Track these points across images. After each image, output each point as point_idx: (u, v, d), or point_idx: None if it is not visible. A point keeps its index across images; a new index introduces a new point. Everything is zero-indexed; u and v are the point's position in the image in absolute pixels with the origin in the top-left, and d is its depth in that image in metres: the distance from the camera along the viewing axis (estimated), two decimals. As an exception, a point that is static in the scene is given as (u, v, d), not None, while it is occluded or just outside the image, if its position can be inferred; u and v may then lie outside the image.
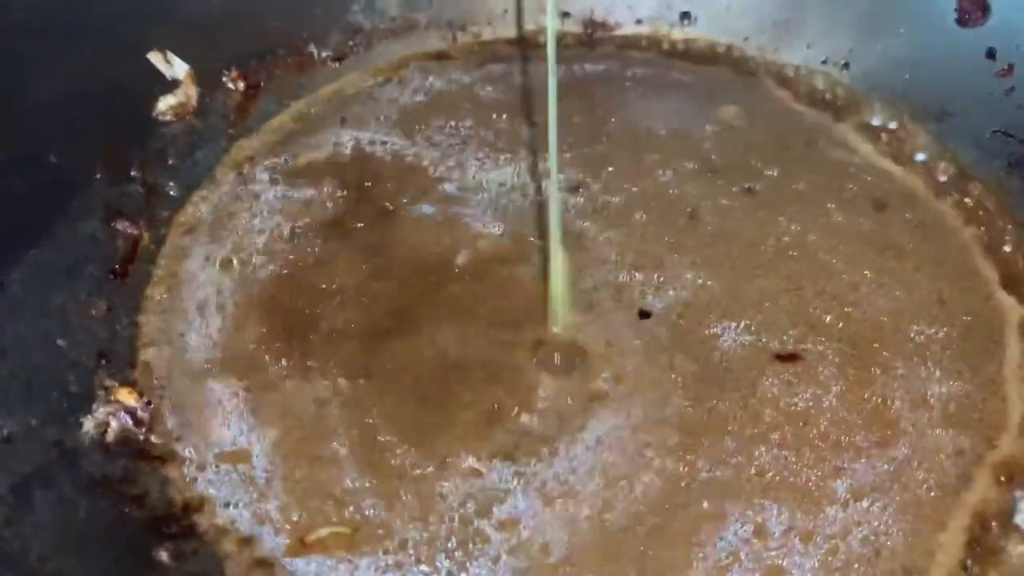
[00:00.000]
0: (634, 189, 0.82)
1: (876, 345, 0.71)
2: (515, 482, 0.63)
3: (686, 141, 0.86)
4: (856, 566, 0.59)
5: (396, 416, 0.67)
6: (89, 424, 0.66)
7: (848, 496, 0.63)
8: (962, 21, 0.85)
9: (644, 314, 0.72)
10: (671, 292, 0.74)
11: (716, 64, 0.94)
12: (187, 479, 0.64)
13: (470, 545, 0.60)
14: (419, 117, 0.88)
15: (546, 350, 0.70)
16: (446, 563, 0.59)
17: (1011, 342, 0.72)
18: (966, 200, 0.82)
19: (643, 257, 0.77)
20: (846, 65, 0.91)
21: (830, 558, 0.60)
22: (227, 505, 0.63)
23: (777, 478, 0.63)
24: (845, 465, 0.64)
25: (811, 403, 0.67)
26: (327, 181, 0.83)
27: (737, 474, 0.64)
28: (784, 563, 0.60)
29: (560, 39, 0.96)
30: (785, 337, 0.70)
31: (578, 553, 0.60)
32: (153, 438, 0.66)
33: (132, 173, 0.80)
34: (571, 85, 0.91)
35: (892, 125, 0.88)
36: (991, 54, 0.83)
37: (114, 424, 0.66)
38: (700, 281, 0.75)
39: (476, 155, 0.85)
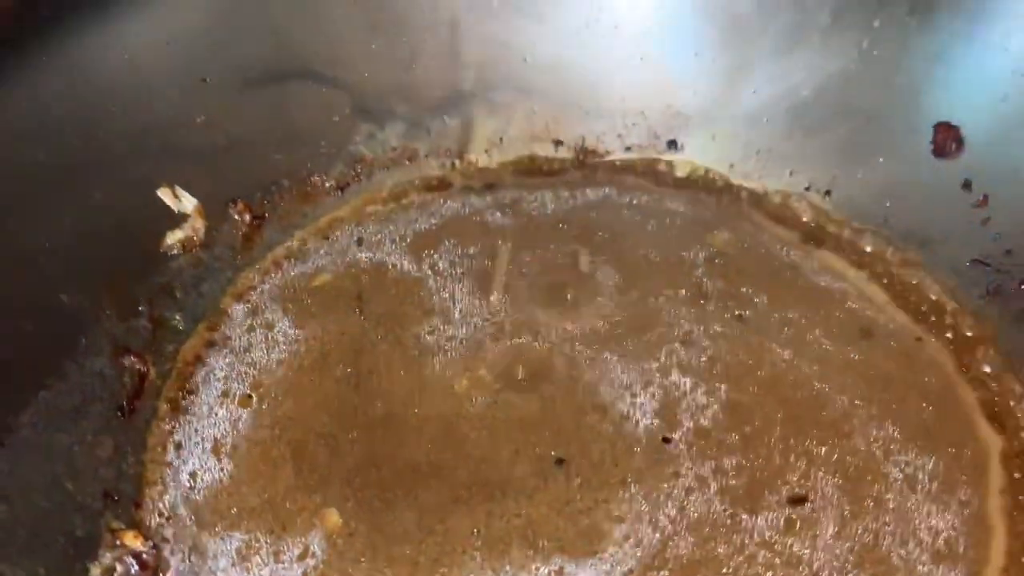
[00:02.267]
0: (624, 315, 0.84)
1: (869, 478, 0.73)
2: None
3: (679, 268, 0.89)
4: None
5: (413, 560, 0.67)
6: (96, 571, 0.66)
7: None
8: (938, 153, 0.89)
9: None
10: (671, 417, 0.76)
11: (705, 191, 0.98)
12: (193, 630, 0.65)
13: None
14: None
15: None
16: None
17: (994, 472, 0.74)
18: (946, 328, 0.84)
19: (640, 377, 0.79)
20: (828, 192, 0.95)
21: None
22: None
23: (770, 620, 0.64)
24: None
25: (807, 542, 0.68)
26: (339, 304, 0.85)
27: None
28: None
29: (556, 167, 1.00)
30: (787, 473, 0.72)
31: None
32: (158, 585, 0.67)
33: (139, 308, 0.81)
34: (570, 211, 0.95)
35: (874, 251, 0.91)
36: (967, 185, 0.87)
37: (120, 569, 0.67)
38: (702, 403, 0.76)
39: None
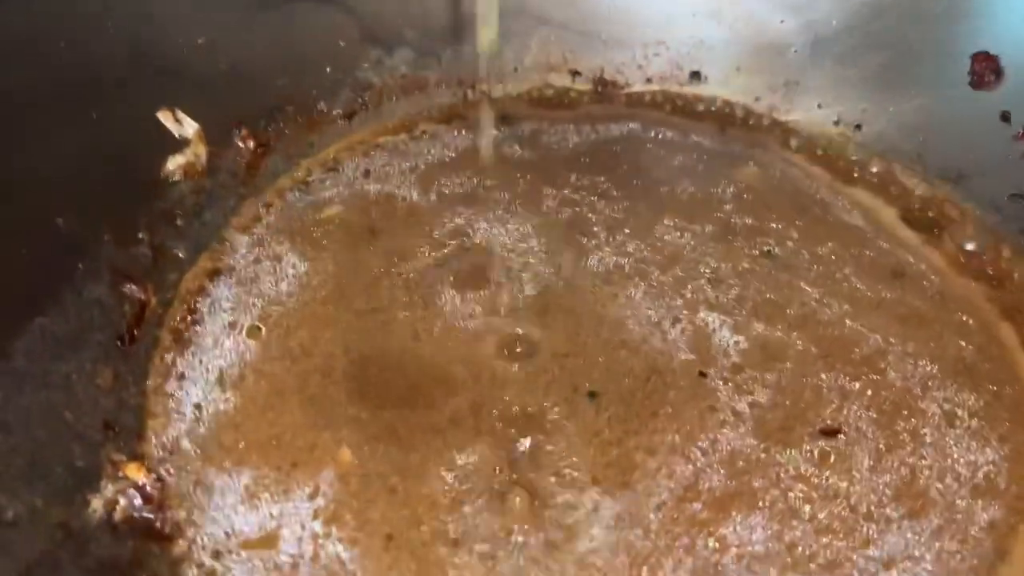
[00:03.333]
0: (649, 251, 0.81)
1: (905, 412, 0.70)
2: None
3: (705, 203, 0.85)
4: None
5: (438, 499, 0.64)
6: (97, 503, 0.63)
7: (879, 567, 0.62)
8: (976, 84, 0.85)
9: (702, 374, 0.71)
10: (706, 354, 0.73)
11: (732, 125, 0.94)
12: (200, 562, 0.61)
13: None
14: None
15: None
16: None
17: (1037, 408, 0.72)
18: (985, 264, 0.81)
19: (670, 312, 0.76)
20: (858, 126, 0.91)
21: None
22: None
23: (807, 552, 0.62)
24: (875, 536, 0.63)
25: (842, 475, 0.66)
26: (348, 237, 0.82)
27: (767, 549, 0.62)
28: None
29: (574, 97, 0.96)
30: (821, 408, 0.69)
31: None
32: (163, 517, 0.63)
33: (139, 235, 0.77)
34: (595, 145, 0.91)
35: (907, 187, 0.88)
36: (1006, 117, 0.83)
37: (122, 502, 0.64)
38: (733, 340, 0.73)
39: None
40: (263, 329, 0.75)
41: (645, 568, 0.61)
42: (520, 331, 0.74)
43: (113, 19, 0.78)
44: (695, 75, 0.96)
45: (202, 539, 0.63)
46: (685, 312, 0.76)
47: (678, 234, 0.83)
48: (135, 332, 0.73)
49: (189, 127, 0.83)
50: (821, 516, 0.64)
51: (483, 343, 0.73)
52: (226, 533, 0.63)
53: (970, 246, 0.83)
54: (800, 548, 0.62)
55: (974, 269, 0.81)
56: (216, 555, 0.62)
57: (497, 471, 0.65)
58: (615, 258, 0.80)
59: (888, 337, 0.75)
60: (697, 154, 0.91)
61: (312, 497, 0.64)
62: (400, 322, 0.75)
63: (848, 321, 0.76)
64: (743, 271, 0.79)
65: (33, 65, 0.73)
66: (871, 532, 0.63)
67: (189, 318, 0.76)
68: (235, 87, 0.86)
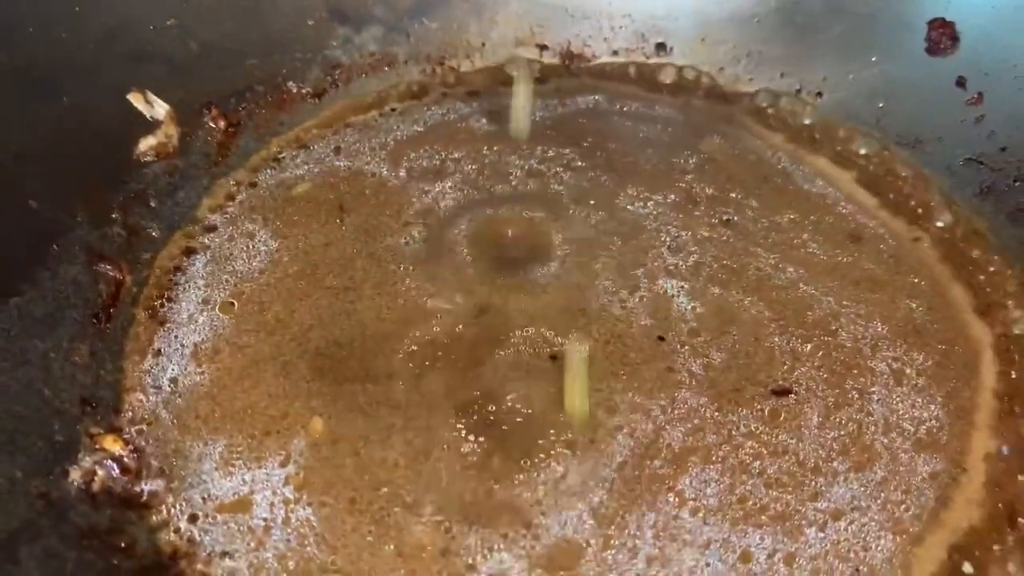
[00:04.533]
0: (613, 221, 0.82)
1: (855, 372, 0.72)
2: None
3: (668, 174, 0.87)
4: None
5: (398, 462, 0.67)
6: (75, 474, 0.65)
7: (827, 518, 0.64)
8: (932, 50, 0.86)
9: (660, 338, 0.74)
10: (664, 319, 0.75)
11: (696, 96, 0.96)
12: (177, 528, 0.64)
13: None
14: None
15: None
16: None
17: (984, 367, 0.74)
18: (939, 228, 0.83)
19: (630, 281, 0.78)
20: (819, 94, 0.93)
21: None
22: (224, 555, 0.62)
23: (759, 504, 0.65)
24: (823, 489, 0.66)
25: (792, 432, 0.68)
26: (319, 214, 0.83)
27: (720, 502, 0.65)
28: (770, 586, 0.61)
29: (541, 71, 0.97)
30: (773, 369, 0.72)
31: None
32: (140, 487, 0.66)
33: (113, 215, 0.79)
34: (561, 118, 0.92)
35: (867, 154, 0.89)
36: (961, 83, 0.85)
37: (100, 473, 0.66)
38: (690, 307, 0.76)
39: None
40: (236, 304, 0.77)
41: (613, 527, 0.63)
42: (483, 304, 0.76)
43: (82, 2, 0.80)
44: (660, 47, 0.98)
45: (179, 505, 0.65)
46: (645, 280, 0.78)
47: (641, 204, 0.84)
48: (111, 310, 0.76)
49: (160, 108, 0.84)
50: (771, 471, 0.66)
51: (447, 317, 0.75)
52: (202, 498, 0.65)
53: (920, 207, 0.84)
54: (751, 501, 0.65)
55: (929, 231, 0.83)
56: (192, 519, 0.65)
57: (458, 436, 0.68)
58: (580, 228, 0.82)
59: (841, 300, 0.77)
60: (661, 125, 0.93)
61: (283, 464, 0.67)
62: (367, 299, 0.77)
63: (802, 285, 0.78)
64: (702, 239, 0.81)
65: (2, 49, 0.74)
66: (819, 485, 0.66)
67: (164, 295, 0.78)
68: (205, 68, 0.87)
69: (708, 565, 0.62)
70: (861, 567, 0.62)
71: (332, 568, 0.61)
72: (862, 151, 0.90)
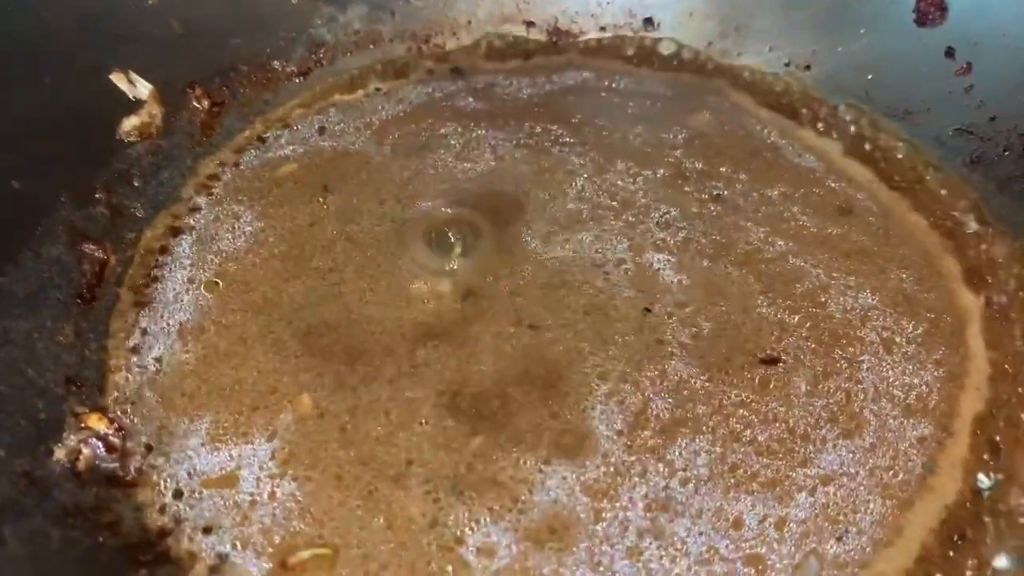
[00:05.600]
0: (602, 197, 0.82)
1: (844, 342, 0.72)
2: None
3: (658, 149, 0.86)
4: (828, 546, 0.62)
5: (385, 438, 0.66)
6: (60, 452, 0.65)
7: (816, 483, 0.64)
8: (921, 21, 0.86)
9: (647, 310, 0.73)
10: (649, 292, 0.74)
11: (685, 71, 0.95)
12: (163, 505, 0.64)
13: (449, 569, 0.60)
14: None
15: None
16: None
17: (971, 335, 0.74)
18: (929, 199, 0.83)
19: (615, 255, 0.77)
20: (808, 68, 0.92)
21: (803, 541, 0.62)
22: (207, 530, 0.62)
23: (749, 472, 0.65)
24: (812, 456, 0.66)
25: (781, 401, 0.68)
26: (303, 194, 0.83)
27: (711, 472, 0.64)
28: (762, 551, 0.61)
29: (528, 48, 0.96)
30: (761, 339, 0.71)
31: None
32: (126, 464, 0.65)
33: (97, 195, 0.79)
34: (549, 95, 0.92)
35: (856, 127, 0.89)
36: (950, 53, 0.84)
37: (85, 451, 0.65)
38: (677, 280, 0.75)
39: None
40: (221, 284, 0.76)
41: (605, 500, 0.63)
42: (467, 280, 0.75)
43: (61, -19, 0.79)
44: (648, 22, 0.97)
45: (164, 482, 0.65)
46: (631, 254, 0.77)
47: (631, 180, 0.84)
48: (95, 290, 0.75)
49: (143, 88, 0.83)
50: (761, 439, 0.66)
51: (431, 297, 0.74)
52: (188, 474, 0.65)
53: (911, 179, 0.84)
54: (742, 469, 0.64)
55: (919, 202, 0.83)
56: (178, 495, 0.64)
57: (444, 412, 0.67)
58: (569, 205, 0.82)
59: (831, 272, 0.76)
60: (650, 101, 0.92)
61: (270, 439, 0.67)
62: (350, 281, 0.76)
63: (792, 258, 0.77)
64: (692, 214, 0.81)
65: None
66: (809, 452, 0.66)
67: (149, 275, 0.77)
68: (189, 47, 0.87)
69: (701, 534, 0.61)
70: (850, 528, 0.62)
71: (319, 542, 0.61)
72: (851, 124, 0.89)
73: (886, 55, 0.88)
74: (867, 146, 0.88)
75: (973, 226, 0.80)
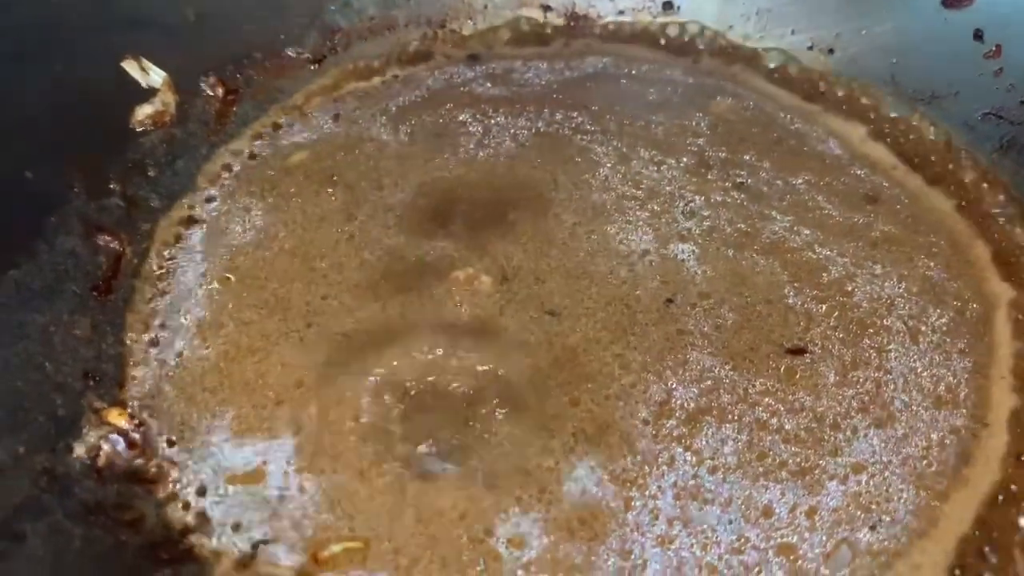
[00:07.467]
0: (625, 186, 0.81)
1: (871, 331, 0.71)
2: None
3: (680, 137, 0.85)
4: (861, 535, 0.61)
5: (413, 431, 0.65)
6: (80, 449, 0.64)
7: (848, 472, 0.63)
8: (948, 2, 0.84)
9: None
10: (673, 282, 0.73)
11: (704, 56, 0.93)
12: (186, 502, 0.63)
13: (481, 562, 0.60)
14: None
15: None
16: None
17: (1000, 323, 0.72)
18: (958, 185, 0.81)
19: (640, 245, 0.76)
20: (831, 51, 0.90)
21: (835, 530, 0.61)
22: (236, 527, 0.61)
23: (777, 460, 0.64)
24: (843, 445, 0.65)
25: (809, 390, 0.67)
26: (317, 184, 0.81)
27: (739, 460, 0.64)
28: (793, 539, 0.60)
29: (546, 33, 0.95)
30: (787, 329, 0.70)
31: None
32: (147, 461, 0.65)
33: (111, 186, 0.78)
34: (568, 82, 0.90)
35: (881, 111, 0.87)
36: (978, 35, 0.82)
37: (106, 448, 0.65)
38: (701, 270, 0.74)
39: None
40: (234, 279, 0.75)
41: (634, 489, 0.62)
42: (483, 276, 0.74)
43: (73, -32, 0.77)
44: (667, 5, 0.95)
45: (187, 478, 0.64)
46: (655, 244, 0.76)
47: (654, 168, 0.83)
48: (111, 282, 0.74)
49: (156, 76, 0.82)
50: (789, 427, 0.65)
51: (454, 286, 0.73)
52: (213, 471, 0.64)
53: (938, 164, 0.82)
54: (770, 458, 0.64)
55: (948, 188, 0.81)
56: (202, 492, 0.63)
57: (471, 402, 0.66)
58: (594, 195, 0.80)
59: (857, 260, 0.75)
60: (671, 87, 0.91)
61: (296, 433, 0.65)
62: (369, 272, 0.75)
63: (817, 247, 0.76)
64: (716, 203, 0.80)
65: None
66: (839, 441, 0.65)
67: (165, 267, 0.76)
68: (202, 34, 0.85)
69: (731, 522, 0.61)
70: (884, 517, 0.61)
71: (350, 536, 0.60)
72: (877, 109, 0.88)
73: (912, 38, 0.86)
74: (892, 131, 0.86)
75: (1003, 212, 0.78)
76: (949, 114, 0.84)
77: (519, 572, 0.59)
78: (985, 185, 0.80)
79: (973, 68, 0.82)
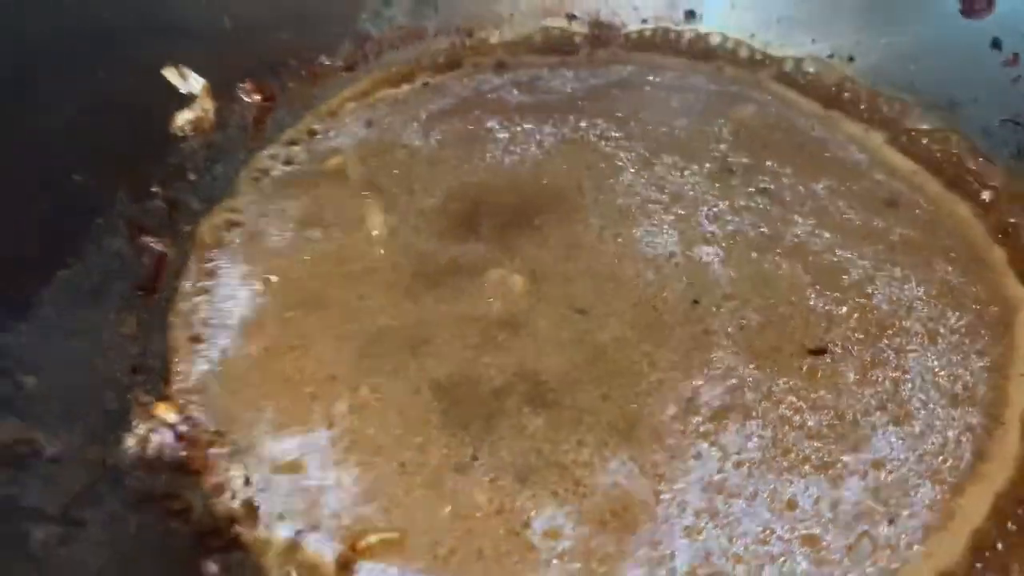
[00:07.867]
0: (649, 191, 0.83)
1: (890, 332, 0.73)
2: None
3: (703, 143, 0.87)
4: (880, 529, 0.63)
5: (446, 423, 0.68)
6: (130, 441, 0.67)
7: (867, 468, 0.66)
8: (967, 11, 0.86)
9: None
10: (698, 284, 0.76)
11: (727, 64, 0.96)
12: (232, 492, 0.65)
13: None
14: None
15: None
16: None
17: (1020, 324, 0.74)
18: (977, 190, 0.83)
19: (666, 248, 0.79)
20: (851, 59, 0.93)
21: (856, 523, 0.63)
22: (280, 516, 0.64)
23: (801, 456, 0.66)
24: (863, 441, 0.67)
25: (830, 389, 0.69)
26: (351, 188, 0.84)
27: (763, 455, 0.66)
28: (817, 531, 0.63)
29: (571, 42, 0.97)
30: (809, 330, 0.73)
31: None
32: (193, 452, 0.67)
33: (153, 189, 0.80)
34: (593, 89, 0.93)
35: (901, 118, 0.89)
36: (996, 44, 0.84)
37: (155, 440, 0.67)
38: (726, 273, 0.76)
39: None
40: (275, 280, 0.77)
41: (663, 482, 0.64)
42: (515, 276, 0.76)
43: (117, -21, 0.80)
44: (690, 14, 0.98)
45: (232, 469, 0.66)
46: (680, 247, 0.78)
47: (678, 174, 0.85)
48: (155, 282, 0.77)
49: (196, 82, 0.85)
50: (811, 424, 0.67)
51: (489, 288, 0.76)
52: (256, 461, 0.67)
53: (957, 170, 0.84)
54: (794, 453, 0.66)
55: (966, 192, 0.83)
56: (247, 482, 0.66)
57: (505, 399, 0.69)
58: (619, 200, 0.82)
59: (877, 264, 0.77)
60: (694, 94, 0.93)
61: (330, 427, 0.68)
62: (402, 272, 0.77)
63: (838, 250, 0.78)
64: (739, 208, 0.82)
65: (39, 26, 0.75)
66: (859, 437, 0.67)
67: (206, 268, 0.79)
68: (239, 42, 0.88)
69: (757, 515, 0.63)
70: (901, 512, 0.63)
71: (387, 527, 0.63)
72: (896, 115, 0.89)
73: (931, 46, 0.88)
74: (912, 137, 0.88)
75: (1020, 217, 0.80)
76: (967, 121, 0.86)
77: (554, 562, 0.61)
78: (1002, 191, 0.82)
79: (992, 76, 0.84)
